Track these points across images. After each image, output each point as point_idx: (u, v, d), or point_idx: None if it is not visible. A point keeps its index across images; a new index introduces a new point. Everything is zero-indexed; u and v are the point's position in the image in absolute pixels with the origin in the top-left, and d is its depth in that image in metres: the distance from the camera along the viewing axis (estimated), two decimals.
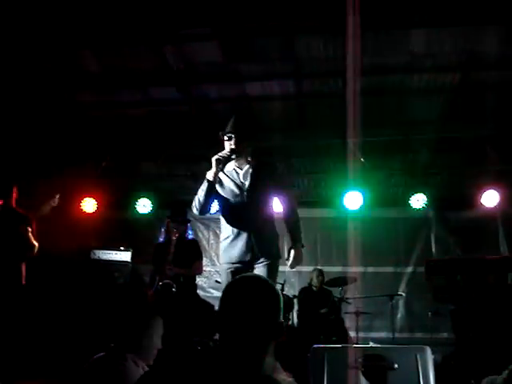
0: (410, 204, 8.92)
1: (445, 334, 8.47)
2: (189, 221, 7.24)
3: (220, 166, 4.49)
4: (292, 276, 9.79)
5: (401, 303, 9.50)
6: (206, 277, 9.77)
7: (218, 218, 10.02)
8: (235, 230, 4.52)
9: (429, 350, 3.98)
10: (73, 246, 8.40)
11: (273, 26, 6.06)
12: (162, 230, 6.93)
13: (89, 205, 9.25)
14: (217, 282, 9.38)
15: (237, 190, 4.56)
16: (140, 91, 7.57)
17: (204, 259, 7.74)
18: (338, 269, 9.15)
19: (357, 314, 7.98)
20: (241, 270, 4.40)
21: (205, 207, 4.56)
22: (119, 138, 8.61)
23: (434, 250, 9.77)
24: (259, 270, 4.52)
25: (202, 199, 4.50)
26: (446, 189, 8.97)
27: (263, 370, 1.97)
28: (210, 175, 4.47)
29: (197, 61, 6.86)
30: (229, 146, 4.51)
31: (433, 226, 9.75)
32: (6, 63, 6.64)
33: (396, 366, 3.84)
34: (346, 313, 8.26)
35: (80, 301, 7.55)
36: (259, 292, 2.06)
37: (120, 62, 6.86)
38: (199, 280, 8.68)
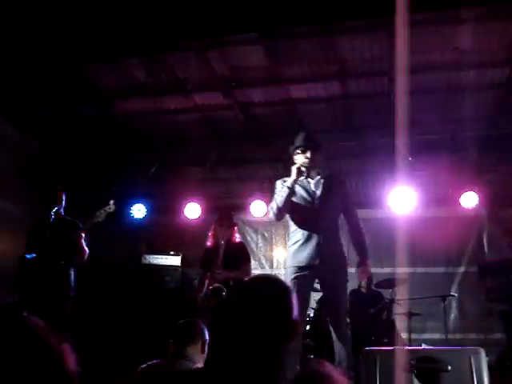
0: (460, 203, 8.77)
1: (498, 335, 8.29)
2: (236, 224, 7.29)
3: (300, 174, 4.90)
4: None
5: (453, 304, 9.32)
6: None
7: (267, 222, 10.12)
8: (305, 235, 4.85)
9: (483, 352, 3.91)
10: (124, 252, 8.56)
11: (315, 28, 6.07)
12: (209, 234, 6.95)
13: (138, 211, 9.40)
14: None
15: (308, 198, 4.96)
16: (186, 97, 7.66)
17: (252, 262, 7.80)
18: (387, 270, 9.04)
19: (408, 315, 7.87)
20: (307, 273, 4.82)
21: (282, 212, 4.95)
22: (167, 144, 8.73)
23: (486, 249, 9.57)
24: (326, 273, 4.83)
25: (280, 205, 4.87)
26: (497, 187, 8.77)
27: (282, 371, 1.96)
28: (289, 183, 4.86)
29: (241, 65, 6.90)
30: (303, 157, 4.94)
31: (485, 224, 9.55)
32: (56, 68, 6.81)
33: (449, 368, 3.78)
34: (397, 314, 8.16)
35: (132, 306, 7.69)
36: (267, 292, 2.06)
37: (166, 69, 6.96)
38: None
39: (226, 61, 6.79)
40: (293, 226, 5.02)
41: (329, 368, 2.26)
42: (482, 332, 8.35)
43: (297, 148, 5.04)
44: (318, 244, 4.82)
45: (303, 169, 4.93)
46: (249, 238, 10.33)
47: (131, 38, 6.00)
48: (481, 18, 5.90)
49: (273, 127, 8.26)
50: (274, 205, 4.96)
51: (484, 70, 6.86)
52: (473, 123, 7.65)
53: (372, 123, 7.82)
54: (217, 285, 6.35)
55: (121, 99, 7.71)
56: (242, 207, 9.43)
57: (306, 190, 5.00)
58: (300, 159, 4.98)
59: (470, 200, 8.67)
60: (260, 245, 10.44)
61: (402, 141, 7.67)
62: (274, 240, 10.50)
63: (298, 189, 4.97)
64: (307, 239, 4.86)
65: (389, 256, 9.21)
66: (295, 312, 2.07)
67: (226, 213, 7.19)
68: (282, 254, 10.40)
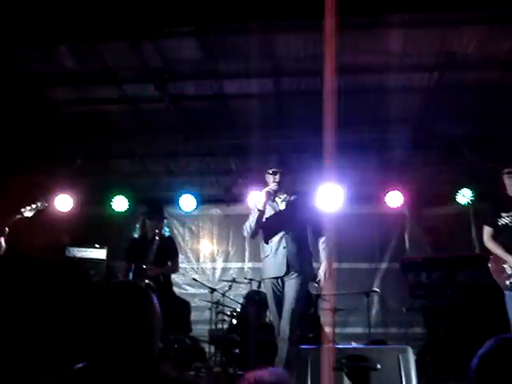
0: (385, 201, 9.01)
1: (418, 329, 8.58)
2: (166, 218, 7.22)
3: (270, 197, 5.52)
4: None
5: (376, 299, 9.59)
6: (182, 274, 9.75)
7: (194, 215, 10.08)
8: (273, 249, 5.48)
9: (411, 350, 4.04)
10: (47, 244, 8.31)
11: (252, 25, 6.06)
12: (138, 225, 6.84)
13: (63, 203, 9.14)
14: (193, 279, 9.37)
15: (275, 216, 5.59)
16: (116, 88, 7.49)
17: (180, 256, 7.74)
18: (313, 265, 9.19)
19: (333, 310, 8.03)
20: (279, 282, 5.44)
21: (255, 232, 5.60)
22: (94, 135, 8.52)
23: (407, 246, 9.89)
24: (290, 282, 5.36)
25: (253, 226, 5.52)
26: (420, 186, 9.06)
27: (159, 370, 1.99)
28: (260, 205, 5.47)
29: (175, 58, 6.81)
30: (273, 179, 5.58)
31: (407, 223, 9.87)
32: None
33: (378, 366, 3.89)
34: (322, 309, 8.31)
35: (55, 299, 7.48)
36: (126, 296, 2.07)
37: (96, 58, 6.78)
38: (175, 277, 8.65)
39: (159, 52, 6.67)
40: (264, 241, 5.64)
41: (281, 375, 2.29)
42: (402, 327, 8.62)
43: (269, 170, 5.69)
44: (283, 257, 5.39)
45: (271, 191, 5.49)
46: (176, 231, 10.27)
47: (63, 25, 5.81)
48: (410, 23, 6.06)
49: (204, 121, 8.21)
50: (247, 224, 5.58)
51: (413, 74, 7.06)
52: (400, 124, 7.86)
53: (302, 121, 7.89)
54: (147, 281, 6.26)
55: (50, 86, 7.44)
56: (170, 201, 9.37)
57: (274, 209, 5.62)
58: (270, 180, 5.62)
59: (394, 199, 8.92)
60: (187, 238, 10.41)
61: (330, 139, 7.83)
62: (201, 234, 10.50)
63: (267, 209, 5.56)
64: (275, 253, 5.45)
65: (315, 252, 9.37)
66: (152, 320, 2.08)
67: (156, 206, 7.12)
68: (208, 248, 10.40)
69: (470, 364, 1.79)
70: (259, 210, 5.47)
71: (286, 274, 5.38)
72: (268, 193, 5.48)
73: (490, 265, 5.89)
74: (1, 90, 7.28)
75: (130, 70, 7.06)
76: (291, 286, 5.33)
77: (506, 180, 5.86)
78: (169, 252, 6.77)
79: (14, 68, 6.88)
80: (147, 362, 2.00)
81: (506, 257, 5.65)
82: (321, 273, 5.54)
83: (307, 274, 5.51)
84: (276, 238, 5.50)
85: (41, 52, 6.68)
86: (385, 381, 3.86)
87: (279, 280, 5.44)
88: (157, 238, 6.53)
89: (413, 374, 3.86)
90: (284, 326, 5.08)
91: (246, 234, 5.69)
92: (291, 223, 5.54)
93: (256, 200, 5.76)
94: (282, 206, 5.65)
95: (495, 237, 5.83)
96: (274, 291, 5.44)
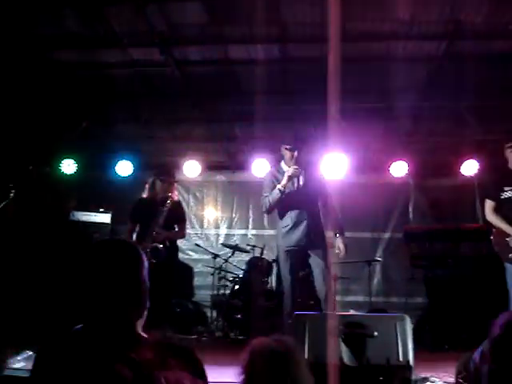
0: (389, 171, 8.99)
1: (419, 299, 8.65)
2: (177, 181, 7.10)
3: (290, 179, 5.78)
4: (271, 240, 9.88)
5: (378, 268, 9.64)
6: (186, 239, 9.79)
7: (199, 181, 10.08)
8: (293, 221, 5.78)
9: (408, 319, 4.07)
10: (52, 208, 8.36)
11: None
12: (147, 185, 6.61)
13: (68, 166, 9.16)
14: (196, 245, 9.44)
15: (295, 190, 5.87)
16: (121, 52, 7.43)
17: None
18: None
19: (334, 278, 8.07)
20: (296, 251, 5.84)
21: (273, 209, 5.96)
22: (100, 99, 8.49)
23: (411, 216, 9.89)
24: (315, 252, 5.80)
25: (273, 204, 5.84)
26: (425, 157, 9.03)
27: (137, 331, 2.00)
28: (281, 186, 5.73)
29: (180, 22, 6.75)
30: (290, 155, 5.85)
31: (411, 193, 9.86)
32: None
33: (376, 333, 3.92)
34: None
35: (59, 263, 7.54)
36: (118, 253, 2.09)
37: (101, 22, 6.73)
38: (179, 242, 8.68)
39: (164, 16, 6.60)
40: (281, 212, 5.93)
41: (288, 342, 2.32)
42: (403, 296, 8.68)
43: (286, 146, 5.92)
44: (304, 228, 5.75)
45: (294, 174, 5.77)
46: (180, 197, 10.27)
47: None
48: None
49: (209, 87, 8.16)
50: (266, 202, 5.87)
51: (421, 43, 6.97)
52: (407, 94, 7.80)
53: (308, 88, 7.83)
54: (155, 245, 6.17)
55: (55, 49, 7.39)
56: (175, 166, 9.36)
57: (293, 184, 5.89)
58: (287, 156, 5.90)
59: (399, 168, 8.90)
60: (191, 204, 10.44)
61: (335, 107, 7.79)
62: (205, 200, 10.52)
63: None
64: (295, 224, 5.79)
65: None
66: (141, 276, 2.08)
67: (167, 168, 7.01)
68: (212, 214, 10.44)
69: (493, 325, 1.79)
70: (280, 192, 5.74)
71: (308, 244, 5.76)
72: (290, 177, 5.76)
73: (492, 238, 5.91)
74: (7, 51, 7.24)
75: (135, 34, 6.98)
76: (317, 255, 5.79)
77: (509, 154, 5.86)
78: (177, 217, 6.63)
79: (20, 30, 6.83)
80: (133, 323, 2.02)
81: (509, 230, 5.66)
82: (340, 245, 5.87)
83: (324, 241, 5.87)
84: (296, 211, 5.81)
85: (47, 15, 6.62)
86: (381, 348, 3.89)
87: (299, 250, 5.81)
88: (169, 201, 6.38)
89: (409, 342, 3.89)
90: (320, 288, 5.77)
91: (264, 209, 6.01)
92: (310, 196, 5.87)
93: (274, 177, 5.98)
94: (301, 181, 5.93)
95: (497, 210, 5.84)
96: (291, 260, 5.83)
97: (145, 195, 6.62)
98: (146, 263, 2.13)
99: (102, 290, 2.01)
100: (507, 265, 5.73)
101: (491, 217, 5.90)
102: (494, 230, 5.88)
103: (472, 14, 6.26)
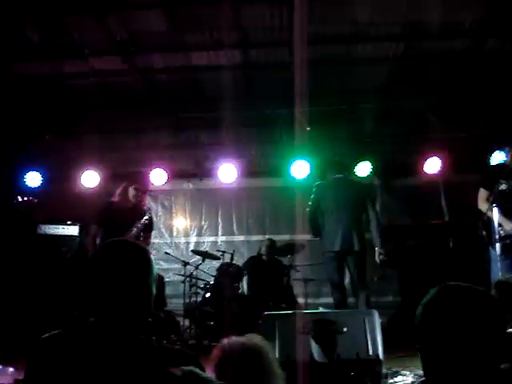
0: (355, 172, 9.06)
1: (390, 298, 8.72)
2: (150, 191, 7.04)
3: None
4: (241, 245, 9.89)
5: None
6: (156, 249, 9.75)
7: (167, 190, 10.00)
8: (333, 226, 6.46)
9: (376, 314, 4.12)
10: (18, 222, 8.24)
11: None
12: (118, 192, 6.50)
13: (33, 179, 9.05)
14: (166, 253, 9.38)
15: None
16: (83, 61, 7.39)
17: (153, 231, 7.69)
18: (285, 237, 9.26)
19: (305, 280, 8.12)
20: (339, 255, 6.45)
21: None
22: (63, 110, 8.43)
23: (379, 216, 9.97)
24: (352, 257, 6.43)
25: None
26: (390, 157, 9.14)
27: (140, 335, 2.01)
28: None
29: (142, 30, 6.76)
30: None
31: (378, 193, 9.94)
32: None
33: (345, 329, 3.96)
34: (295, 280, 8.39)
35: (27, 277, 7.44)
36: (128, 255, 2.09)
37: (62, 32, 6.69)
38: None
39: (125, 25, 6.62)
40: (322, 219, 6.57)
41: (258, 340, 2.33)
42: (374, 295, 8.73)
43: None
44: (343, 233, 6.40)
45: None
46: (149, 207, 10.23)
47: None
48: None
49: (173, 94, 8.17)
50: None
51: (380, 44, 7.08)
52: (369, 95, 7.91)
53: (272, 93, 7.90)
54: None
55: (17, 62, 7.32)
56: (141, 175, 9.31)
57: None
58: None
59: (364, 169, 8.97)
60: (160, 213, 10.37)
61: (300, 111, 7.86)
62: (173, 209, 10.47)
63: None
64: (335, 229, 6.45)
65: (287, 223, 9.44)
66: (154, 275, 2.11)
67: (140, 176, 6.95)
68: (181, 222, 10.40)
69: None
70: None
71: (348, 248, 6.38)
72: None
73: (480, 224, 6.03)
74: None
75: (97, 43, 6.97)
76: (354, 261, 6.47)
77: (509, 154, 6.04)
78: (145, 225, 6.55)
79: None
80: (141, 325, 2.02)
81: (501, 220, 5.78)
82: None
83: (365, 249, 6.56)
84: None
85: (7, 27, 6.56)
86: (351, 343, 3.93)
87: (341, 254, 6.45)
88: (147, 215, 6.37)
89: (378, 337, 3.94)
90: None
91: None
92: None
93: None
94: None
95: (489, 200, 5.96)
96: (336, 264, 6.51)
97: (115, 200, 6.53)
98: (154, 266, 2.14)
99: (109, 292, 2.01)
100: (493, 252, 5.84)
101: (483, 205, 6.02)
102: (484, 217, 5.98)
103: (428, 14, 6.39)
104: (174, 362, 1.88)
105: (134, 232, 6.23)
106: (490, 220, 5.89)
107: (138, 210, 6.40)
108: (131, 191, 6.47)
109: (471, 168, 7.61)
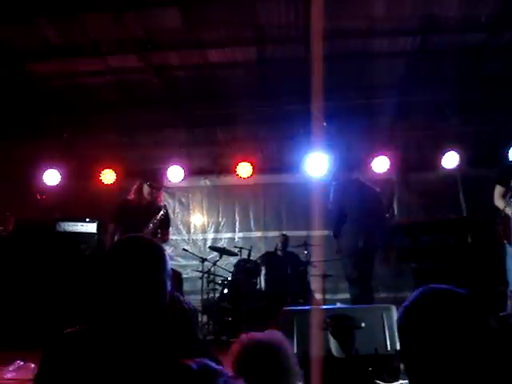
0: (372, 167, 9.03)
1: (407, 293, 8.66)
2: (164, 187, 7.07)
3: None
4: (259, 241, 9.91)
5: None
6: (173, 245, 9.79)
7: (184, 187, 10.04)
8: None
9: (394, 309, 4.11)
10: (37, 219, 8.32)
11: None
12: (133, 188, 6.52)
13: (52, 177, 9.13)
14: (184, 250, 9.42)
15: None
16: (100, 60, 7.44)
17: (170, 228, 7.72)
18: (303, 233, 9.25)
19: (323, 276, 8.11)
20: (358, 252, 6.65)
21: None
22: (80, 109, 8.49)
23: (396, 211, 9.95)
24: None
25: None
26: (408, 151, 9.09)
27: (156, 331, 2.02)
28: None
29: (157, 28, 6.78)
30: None
31: (395, 187, 9.91)
32: None
33: (363, 324, 3.96)
34: (313, 275, 8.40)
35: (47, 274, 7.51)
36: (140, 250, 2.11)
37: (78, 31, 6.74)
38: (168, 248, 8.68)
39: (141, 23, 6.64)
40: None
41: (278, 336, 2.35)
42: (392, 291, 8.72)
43: None
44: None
45: None
46: (165, 203, 10.27)
47: None
48: None
49: (189, 92, 8.19)
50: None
51: (396, 38, 7.05)
52: (385, 89, 7.87)
53: (288, 89, 7.88)
54: None
55: (33, 61, 7.38)
56: (156, 172, 9.34)
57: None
58: None
59: (381, 164, 8.94)
60: (177, 210, 10.42)
61: (317, 106, 7.84)
62: (191, 205, 10.51)
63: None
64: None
65: (305, 219, 9.43)
66: (163, 273, 2.12)
67: (155, 174, 6.97)
68: (198, 219, 10.43)
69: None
70: None
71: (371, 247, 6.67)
72: None
73: (498, 221, 6.05)
74: None
75: (113, 41, 7.01)
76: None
77: None
78: (162, 223, 6.58)
79: None
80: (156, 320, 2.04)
81: None
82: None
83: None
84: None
85: (24, 27, 6.63)
86: (369, 339, 3.93)
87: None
88: (162, 211, 6.35)
89: (396, 332, 3.93)
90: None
91: None
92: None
93: None
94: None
95: (505, 196, 5.98)
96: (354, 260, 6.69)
97: (130, 197, 6.57)
98: (168, 262, 2.16)
99: (123, 287, 2.03)
100: (509, 248, 5.85)
101: (500, 202, 6.04)
102: (499, 219, 6.01)
103: (444, 8, 6.35)
104: (187, 354, 1.90)
105: (150, 228, 6.26)
106: (507, 216, 5.91)
107: (153, 207, 6.42)
108: (146, 188, 6.48)
109: (489, 162, 7.55)
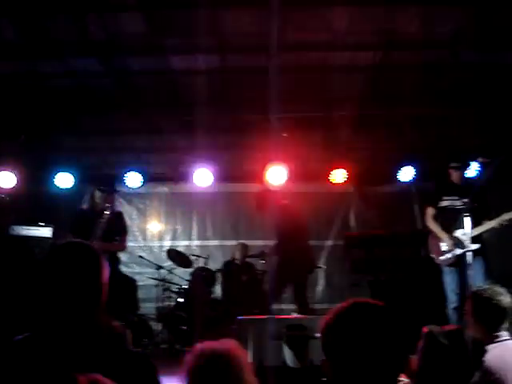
0: (330, 179, 9.11)
1: None
2: (117, 191, 7.02)
3: None
4: (215, 250, 9.89)
5: (321, 275, 9.76)
6: (129, 252, 9.69)
7: (141, 193, 9.96)
8: None
9: None
10: None
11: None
12: (86, 197, 6.60)
13: (7, 179, 8.94)
14: (140, 257, 9.34)
15: None
16: (60, 62, 7.33)
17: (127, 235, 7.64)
18: (260, 242, 9.28)
19: None
20: None
21: None
22: (38, 111, 8.34)
23: (352, 224, 10.07)
24: None
25: None
26: (365, 164, 9.20)
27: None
28: None
29: (120, 32, 6.72)
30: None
31: (352, 200, 10.04)
32: None
33: (317, 334, 3.98)
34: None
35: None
36: (78, 256, 2.12)
37: (39, 31, 6.63)
38: (123, 255, 8.57)
39: (103, 26, 6.56)
40: None
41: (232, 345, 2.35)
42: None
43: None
44: None
45: None
46: (122, 209, 10.16)
47: None
48: (355, 1, 6.15)
49: (150, 98, 8.14)
50: None
51: (357, 53, 7.14)
52: (345, 103, 7.97)
53: (249, 98, 7.91)
54: None
55: None
56: (117, 178, 9.25)
57: None
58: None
59: (339, 176, 9.02)
60: (134, 217, 10.32)
61: (276, 117, 7.89)
62: (148, 212, 10.43)
63: None
64: None
65: (262, 228, 9.46)
66: (105, 276, 2.13)
67: (106, 178, 6.91)
68: (155, 226, 10.37)
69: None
70: None
71: None
72: None
73: (428, 241, 6.32)
74: None
75: (75, 44, 6.91)
76: None
77: (452, 171, 6.36)
78: (118, 228, 6.58)
79: None
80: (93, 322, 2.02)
81: (443, 236, 6.12)
82: None
83: None
84: None
85: None
86: None
87: None
88: (107, 211, 6.28)
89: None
90: None
91: None
92: None
93: None
94: None
95: (436, 217, 6.23)
96: None
97: (84, 206, 6.54)
98: (106, 266, 2.15)
99: (60, 292, 2.01)
100: (443, 268, 6.13)
101: (430, 223, 6.34)
102: (430, 234, 6.30)
103: (405, 24, 6.47)
104: (118, 362, 1.89)
105: (98, 232, 6.19)
106: (435, 236, 6.32)
107: (103, 212, 6.36)
108: (97, 194, 6.47)
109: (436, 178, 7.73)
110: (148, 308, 9.19)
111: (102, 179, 6.74)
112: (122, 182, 9.02)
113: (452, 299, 6.04)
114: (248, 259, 8.72)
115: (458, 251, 5.91)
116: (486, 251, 6.06)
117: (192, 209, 10.27)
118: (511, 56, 7.11)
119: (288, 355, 3.90)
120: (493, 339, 3.11)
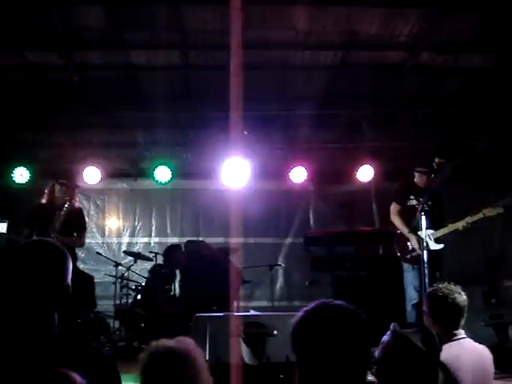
0: (290, 177, 9.14)
1: None
2: (78, 186, 6.89)
3: None
4: None
5: (280, 273, 9.80)
6: (87, 249, 9.55)
7: (100, 189, 9.84)
8: None
9: None
10: None
11: None
12: (46, 191, 6.35)
13: None
14: (98, 253, 9.23)
15: None
16: (19, 55, 7.20)
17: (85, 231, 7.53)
18: (220, 240, 9.26)
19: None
20: None
21: None
22: None
23: (312, 222, 10.13)
24: None
25: None
26: (324, 163, 9.27)
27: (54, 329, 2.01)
28: None
29: (81, 26, 6.64)
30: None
31: (312, 198, 10.09)
32: None
33: (275, 332, 4.01)
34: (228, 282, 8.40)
35: None
36: (43, 255, 2.07)
37: None
38: (81, 252, 8.46)
39: (64, 19, 6.48)
40: None
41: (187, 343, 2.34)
42: (305, 300, 8.82)
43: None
44: None
45: None
46: (80, 205, 10.02)
47: None
48: (316, 1, 6.20)
49: (110, 92, 8.05)
50: None
51: (318, 52, 7.20)
52: (305, 102, 8.02)
53: (210, 95, 7.90)
54: None
55: None
56: (76, 172, 9.11)
57: None
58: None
59: (299, 175, 9.06)
60: (92, 213, 10.16)
61: (236, 114, 7.88)
62: (106, 208, 10.30)
63: None
64: None
65: (222, 226, 9.45)
66: (68, 277, 2.10)
67: (67, 172, 6.78)
68: (114, 223, 10.25)
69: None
70: None
71: None
72: None
73: (394, 238, 6.44)
74: None
75: (34, 36, 6.79)
76: None
77: (417, 176, 6.40)
78: (77, 224, 6.43)
79: None
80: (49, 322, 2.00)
81: (409, 235, 6.22)
82: None
83: None
84: None
85: None
86: (281, 346, 3.97)
87: None
88: (67, 204, 6.13)
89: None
90: None
91: None
92: None
93: None
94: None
95: (401, 214, 6.30)
96: None
97: (43, 200, 6.40)
98: (70, 264, 2.12)
99: (22, 291, 1.98)
100: (405, 264, 6.20)
101: (395, 219, 6.46)
102: (397, 232, 6.37)
103: (366, 26, 6.55)
104: (75, 356, 1.88)
105: (56, 225, 6.07)
106: (401, 234, 6.33)
107: (63, 206, 6.25)
108: (57, 188, 6.30)
109: (402, 177, 7.83)
110: (106, 305, 9.07)
111: (62, 173, 6.59)
112: (80, 177, 8.87)
113: (413, 296, 6.12)
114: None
115: (423, 250, 5.99)
116: (443, 250, 6.19)
117: (151, 205, 10.17)
118: (465, 58, 7.28)
119: (246, 352, 3.91)
120: (450, 337, 3.15)
